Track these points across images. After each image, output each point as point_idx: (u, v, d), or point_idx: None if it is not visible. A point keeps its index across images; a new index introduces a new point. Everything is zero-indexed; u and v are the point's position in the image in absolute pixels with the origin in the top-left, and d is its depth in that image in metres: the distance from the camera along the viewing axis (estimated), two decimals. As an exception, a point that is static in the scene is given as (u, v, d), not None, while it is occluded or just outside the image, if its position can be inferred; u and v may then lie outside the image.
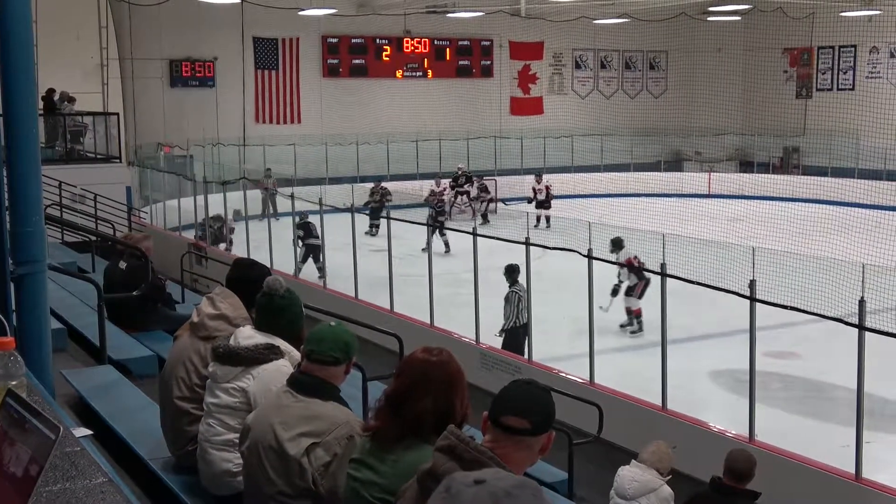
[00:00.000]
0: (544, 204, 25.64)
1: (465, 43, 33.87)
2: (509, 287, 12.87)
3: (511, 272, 12.85)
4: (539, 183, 26.48)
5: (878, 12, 28.76)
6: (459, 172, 28.06)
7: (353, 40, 32.02)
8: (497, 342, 12.89)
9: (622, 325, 14.55)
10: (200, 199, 20.79)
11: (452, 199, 27.41)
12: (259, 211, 22.72)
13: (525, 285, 12.56)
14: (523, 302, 12.56)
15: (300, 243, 18.35)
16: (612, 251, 13.26)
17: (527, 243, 12.57)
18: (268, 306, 4.30)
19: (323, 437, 3.55)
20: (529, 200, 26.25)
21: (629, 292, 14.39)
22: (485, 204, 27.19)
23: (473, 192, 27.69)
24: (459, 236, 13.99)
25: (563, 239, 12.35)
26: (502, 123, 34.19)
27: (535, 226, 21.34)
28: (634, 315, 14.45)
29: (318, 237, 17.79)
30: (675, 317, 11.05)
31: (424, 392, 3.11)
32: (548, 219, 24.03)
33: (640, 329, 14.26)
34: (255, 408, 4.01)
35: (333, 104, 31.59)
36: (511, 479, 1.93)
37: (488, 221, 24.28)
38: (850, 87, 31.96)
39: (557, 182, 29.22)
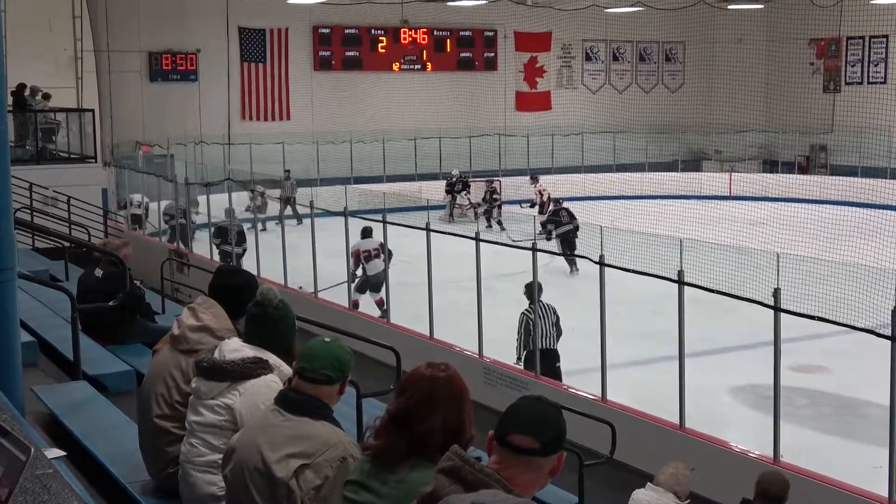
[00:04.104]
0: (541, 209, 25.44)
1: (467, 33, 33.91)
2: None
3: (529, 291, 12.34)
4: (534, 185, 26.50)
5: (911, 0, 28.81)
6: (455, 179, 28.11)
7: (347, 31, 32.06)
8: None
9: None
10: (182, 201, 20.81)
11: (452, 202, 27.48)
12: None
13: (551, 304, 12.27)
14: (533, 325, 12.04)
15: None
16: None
17: (534, 249, 12.57)
18: (260, 318, 4.31)
19: (313, 459, 3.55)
20: (532, 205, 26.26)
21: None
22: (497, 209, 27.06)
23: (476, 196, 27.75)
24: (462, 242, 13.98)
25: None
26: (507, 120, 34.23)
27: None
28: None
29: (229, 244, 18.90)
30: (694, 328, 11.04)
31: (433, 409, 3.15)
32: (543, 225, 23.31)
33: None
34: (241, 426, 4.01)
35: (325, 99, 31.63)
36: (511, 501, 1.94)
37: (503, 229, 24.29)
38: (882, 80, 31.99)
39: (567, 183, 29.29)
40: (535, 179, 26.96)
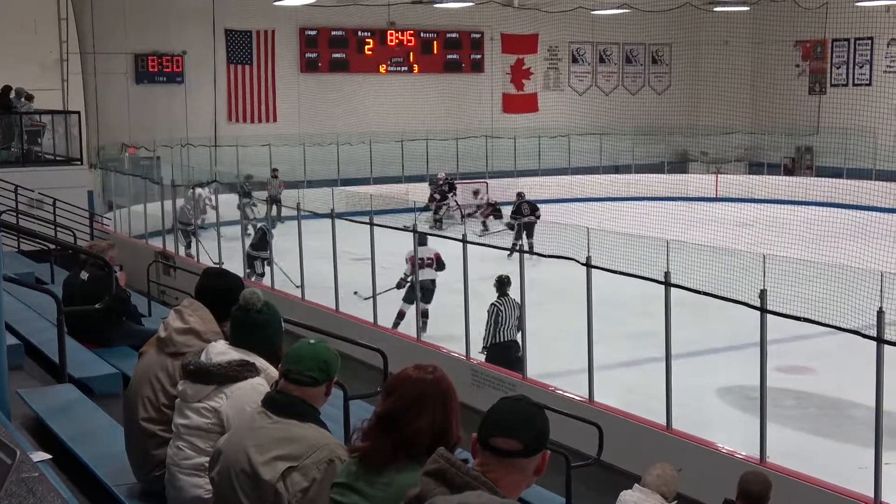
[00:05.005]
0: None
1: (454, 35, 33.91)
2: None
3: (501, 284, 12.78)
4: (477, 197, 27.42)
5: (896, 2, 28.94)
6: (441, 182, 28.15)
7: (333, 32, 32.02)
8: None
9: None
10: (168, 203, 20.76)
11: (444, 205, 27.54)
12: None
13: (518, 298, 12.52)
14: (503, 316, 12.50)
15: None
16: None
17: (520, 251, 12.61)
18: (244, 321, 4.30)
19: (300, 461, 3.55)
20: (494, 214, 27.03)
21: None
22: (482, 209, 27.31)
23: (461, 198, 27.91)
24: (450, 244, 14.01)
25: (559, 246, 12.37)
26: (494, 122, 34.25)
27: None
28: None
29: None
30: (681, 329, 11.07)
31: (421, 411, 3.15)
32: (510, 226, 23.76)
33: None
34: (228, 429, 4.00)
35: (312, 101, 31.58)
36: (496, 502, 1.94)
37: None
38: (867, 81, 32.11)
39: (553, 185, 29.56)
40: (476, 193, 28.01)
